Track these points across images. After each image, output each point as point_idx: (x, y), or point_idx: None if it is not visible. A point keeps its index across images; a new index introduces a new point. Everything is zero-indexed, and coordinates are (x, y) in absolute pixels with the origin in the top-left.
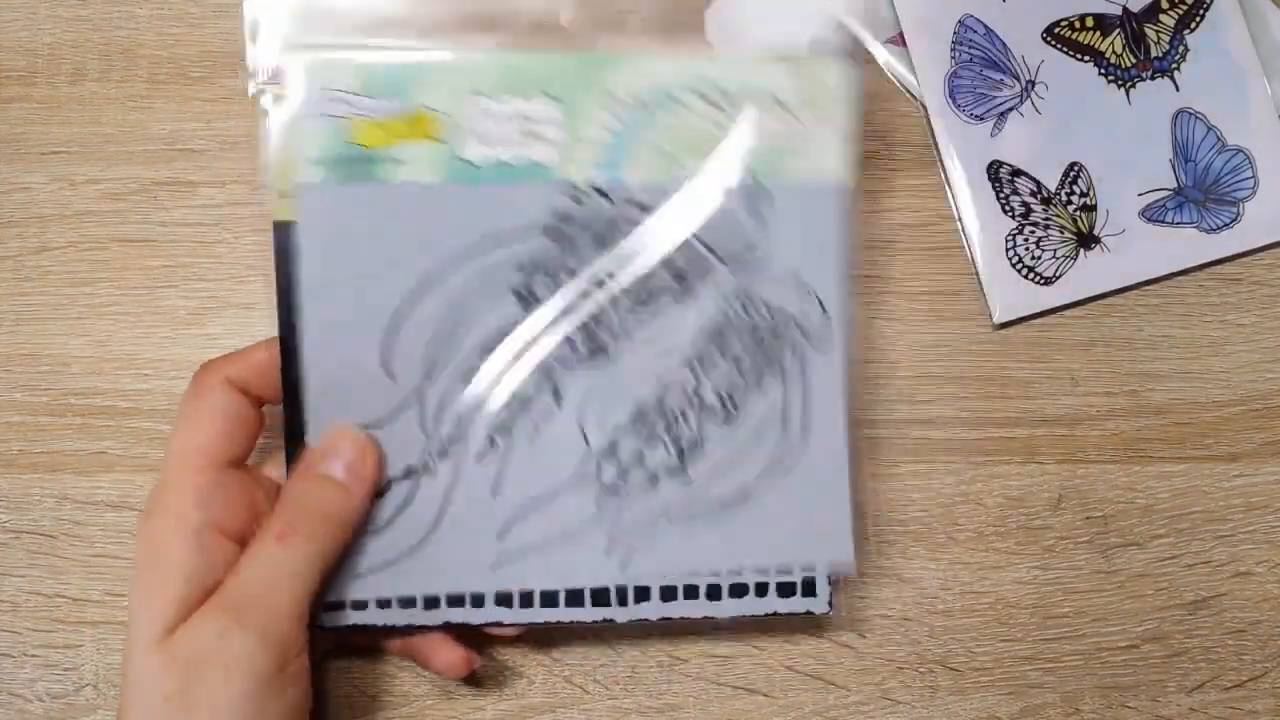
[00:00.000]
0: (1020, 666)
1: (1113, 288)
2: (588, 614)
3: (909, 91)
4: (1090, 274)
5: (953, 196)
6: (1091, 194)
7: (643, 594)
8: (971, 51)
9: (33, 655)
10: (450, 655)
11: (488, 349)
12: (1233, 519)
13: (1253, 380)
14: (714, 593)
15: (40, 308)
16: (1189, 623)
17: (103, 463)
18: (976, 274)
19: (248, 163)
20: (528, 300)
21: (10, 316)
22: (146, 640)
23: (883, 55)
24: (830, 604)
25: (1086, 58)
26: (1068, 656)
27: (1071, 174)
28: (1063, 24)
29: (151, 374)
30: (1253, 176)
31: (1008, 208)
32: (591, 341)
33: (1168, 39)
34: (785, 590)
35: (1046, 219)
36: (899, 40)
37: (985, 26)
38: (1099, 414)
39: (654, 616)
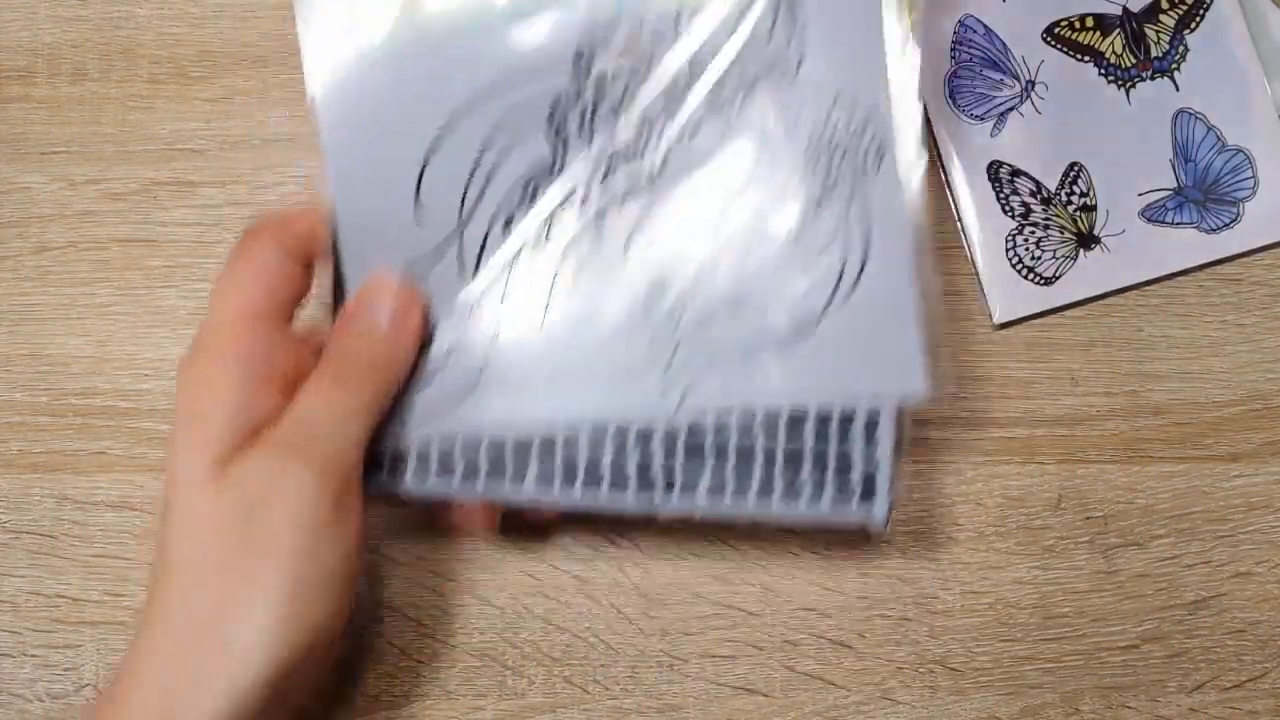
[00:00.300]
0: (1020, 666)
1: (1113, 288)
2: (630, 499)
3: None
4: (1090, 274)
5: (953, 197)
6: (1091, 194)
7: (689, 486)
8: (971, 52)
9: (33, 655)
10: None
11: (526, 186)
12: (1233, 519)
13: (1253, 380)
14: (765, 488)
15: (40, 308)
16: (1189, 623)
17: (103, 463)
18: (976, 274)
19: (248, 163)
20: (563, 134)
21: (10, 316)
22: (196, 475)
23: None
24: (887, 518)
25: (1086, 58)
26: (1068, 656)
27: (1071, 174)
28: (1062, 24)
29: (151, 374)
30: (1253, 176)
31: (1008, 208)
32: (633, 174)
33: (1168, 39)
34: (842, 490)
35: (1046, 219)
36: None
37: (985, 27)
38: (1099, 414)
39: (698, 510)
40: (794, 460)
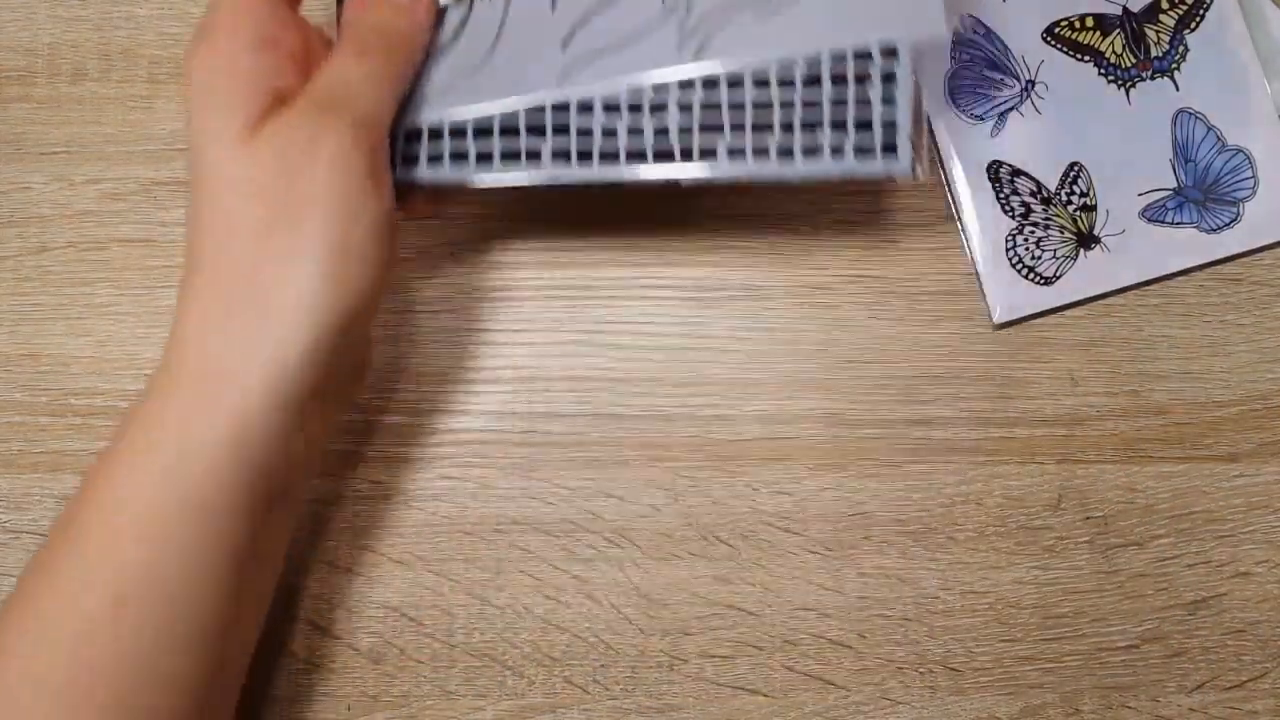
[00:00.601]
0: (1020, 666)
1: (1113, 288)
2: (652, 170)
3: None
4: (1090, 274)
5: (952, 196)
6: (1091, 194)
7: (708, 153)
8: (972, 51)
9: None
10: None
11: None
12: (1233, 519)
13: (1253, 380)
14: (786, 149)
15: (40, 308)
16: (1189, 623)
17: None
18: (976, 274)
19: None
20: None
21: (10, 316)
22: (227, 139)
23: None
24: (913, 167)
25: (1086, 58)
26: (1068, 656)
27: (1071, 174)
28: (1063, 24)
29: (151, 374)
30: (1253, 176)
31: (1008, 208)
32: None
33: (1168, 39)
34: (863, 146)
35: (1046, 219)
36: None
37: (985, 27)
38: (1099, 414)
39: (720, 175)
40: (813, 119)
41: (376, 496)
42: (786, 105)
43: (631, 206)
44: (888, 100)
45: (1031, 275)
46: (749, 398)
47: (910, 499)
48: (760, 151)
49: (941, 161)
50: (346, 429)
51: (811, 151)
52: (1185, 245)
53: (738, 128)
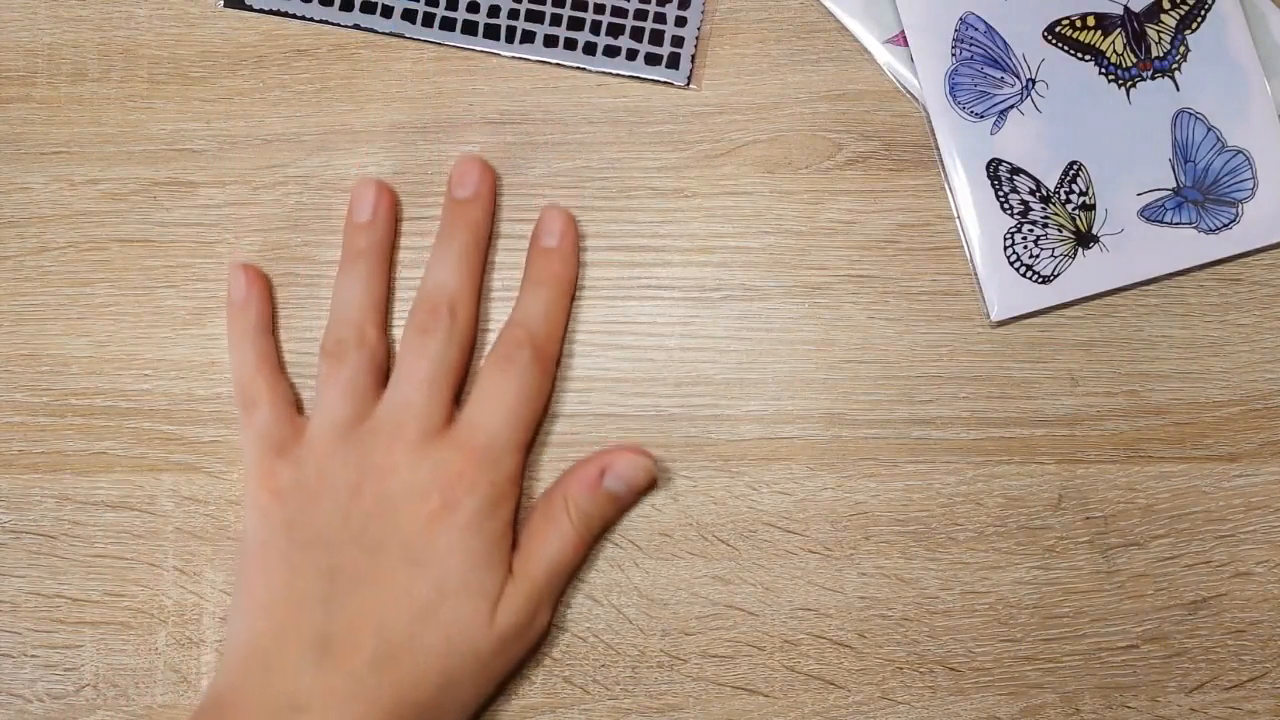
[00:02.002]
0: (1020, 666)
1: (1111, 287)
2: (477, 43)
3: (909, 92)
4: (1088, 273)
5: (952, 194)
6: (1090, 193)
7: (529, 36)
8: (972, 49)
9: (33, 655)
10: None
11: None
12: (1233, 519)
13: (1253, 380)
14: (590, 49)
15: (40, 308)
16: (1189, 623)
17: (103, 463)
18: (974, 272)
19: (248, 163)
20: None
21: (10, 316)
22: (480, 623)
23: (883, 55)
24: (689, 79)
25: (1087, 57)
26: (1068, 656)
27: (1071, 173)
28: (1064, 23)
29: (151, 374)
30: (1252, 177)
31: (1006, 206)
32: None
33: (1169, 39)
34: (652, 60)
35: (1045, 217)
36: (899, 40)
37: (986, 24)
38: (1099, 414)
39: (534, 58)
40: (616, 28)
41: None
42: (599, 9)
43: (632, 206)
44: (680, 23)
45: (1030, 274)
46: (748, 397)
47: (910, 499)
48: (570, 44)
49: (941, 159)
50: None
51: (612, 51)
52: (1184, 245)
53: (555, 20)
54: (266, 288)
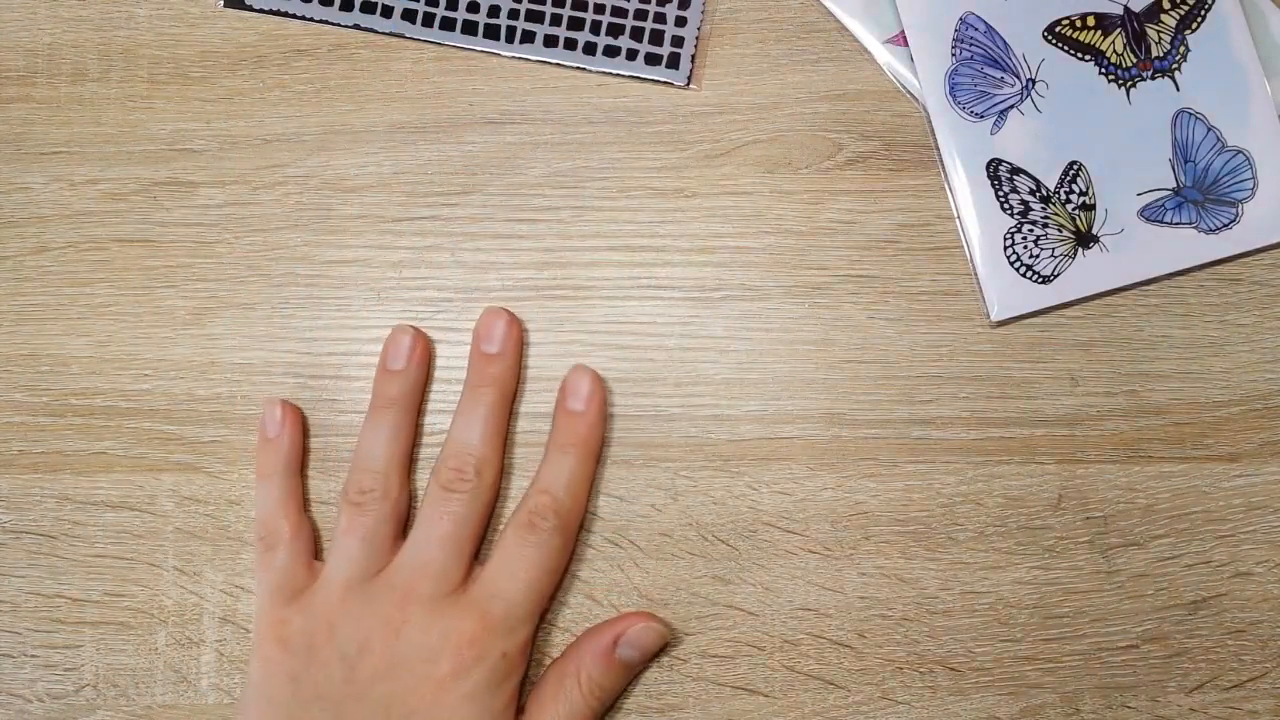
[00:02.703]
0: (1020, 666)
1: (1110, 287)
2: (477, 43)
3: (909, 92)
4: (1088, 273)
5: (952, 194)
6: (1090, 193)
7: (529, 36)
8: (972, 49)
9: (33, 655)
10: None
11: None
12: (1233, 519)
13: (1253, 380)
14: (590, 49)
15: (40, 308)
16: (1189, 623)
17: (103, 463)
18: (974, 272)
19: (248, 163)
20: None
21: (10, 316)
22: None
23: (883, 55)
24: (689, 79)
25: (1087, 57)
26: (1068, 656)
27: (1071, 173)
28: (1064, 23)
29: (151, 374)
30: (1252, 177)
31: (1006, 205)
32: None
33: (1169, 39)
34: (652, 59)
35: (1045, 217)
36: (899, 40)
37: (986, 24)
38: (1099, 414)
39: (534, 58)
40: (616, 28)
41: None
42: (599, 9)
43: (632, 206)
44: (680, 23)
45: (1030, 274)
46: (748, 397)
47: (910, 499)
48: (570, 44)
49: (941, 159)
50: (346, 430)
51: (612, 51)
52: (1184, 245)
53: (556, 20)
54: (300, 426)
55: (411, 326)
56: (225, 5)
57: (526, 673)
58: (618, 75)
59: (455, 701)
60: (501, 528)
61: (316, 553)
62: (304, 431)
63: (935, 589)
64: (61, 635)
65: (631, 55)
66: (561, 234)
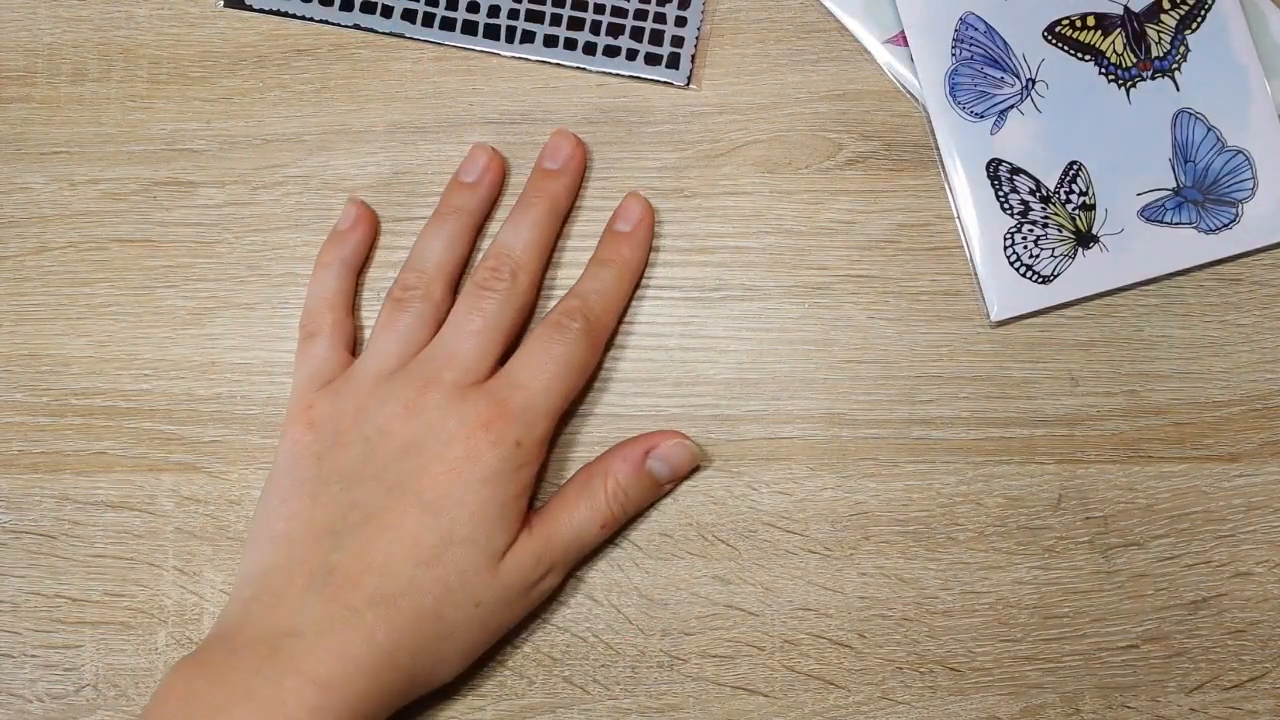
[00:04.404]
0: (1020, 666)
1: (1110, 287)
2: (477, 43)
3: (909, 92)
4: (1088, 273)
5: (952, 194)
6: (1090, 193)
7: (529, 36)
8: (972, 49)
9: (33, 655)
10: None
11: None
12: (1233, 519)
13: (1253, 380)
14: (590, 49)
15: (40, 308)
16: (1189, 623)
17: (103, 463)
18: (974, 272)
19: (248, 163)
20: None
21: (10, 316)
22: (484, 566)
23: (883, 56)
24: (689, 79)
25: (1087, 57)
26: (1068, 656)
27: (1071, 173)
28: (1064, 23)
29: (151, 374)
30: (1252, 177)
31: (1006, 205)
32: None
33: (1169, 39)
34: (652, 59)
35: (1045, 217)
36: (899, 40)
37: (986, 24)
38: (1099, 414)
39: (534, 58)
40: (616, 28)
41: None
42: (599, 9)
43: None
44: (680, 23)
45: (1029, 274)
46: (748, 398)
47: (910, 499)
48: (570, 44)
49: (941, 159)
50: None
51: (612, 51)
52: (1183, 245)
53: (556, 20)
54: (372, 229)
55: (491, 146)
56: (225, 5)
57: (541, 469)
58: (618, 75)
59: (467, 483)
60: (532, 329)
61: (354, 349)
62: (373, 239)
63: (935, 589)
64: (61, 635)
65: (631, 55)
66: (561, 234)
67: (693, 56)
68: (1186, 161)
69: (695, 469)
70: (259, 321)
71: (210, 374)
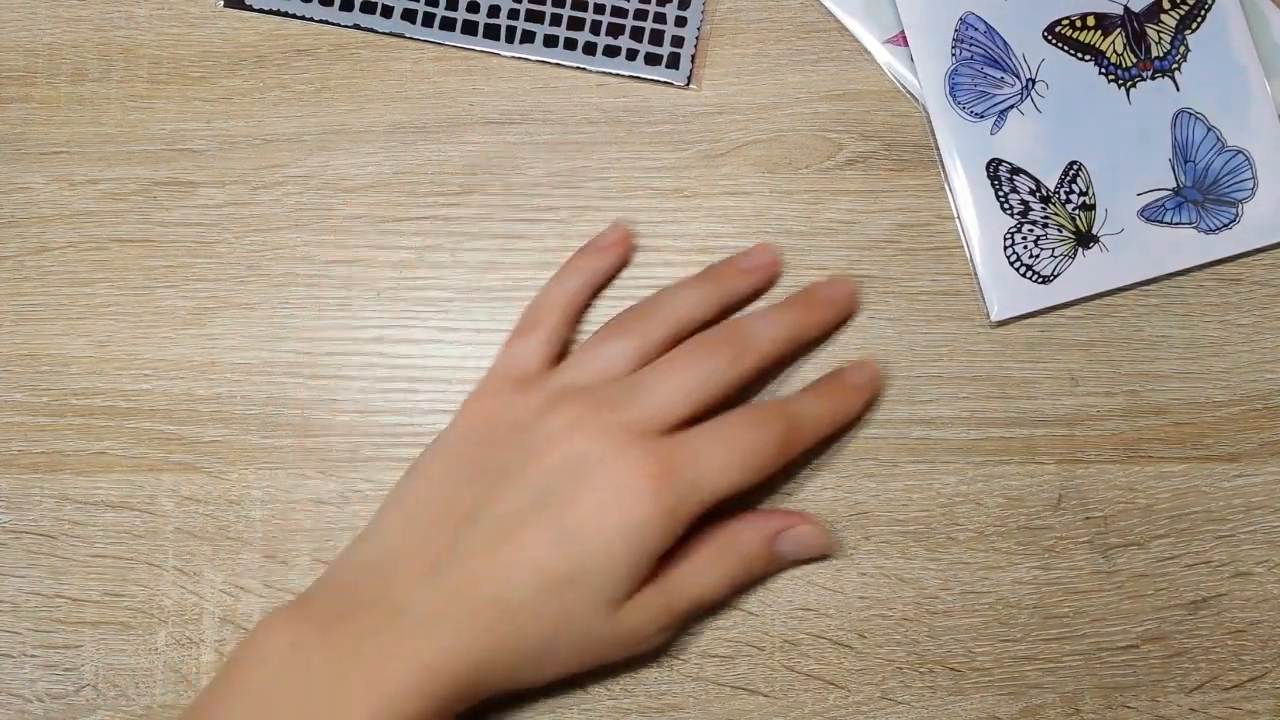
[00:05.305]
0: (1020, 666)
1: (1110, 287)
2: (477, 43)
3: (909, 92)
4: (1088, 273)
5: (952, 195)
6: (1090, 193)
7: (529, 36)
8: (972, 49)
9: (32, 655)
10: None
11: None
12: (1233, 519)
13: (1253, 380)
14: (590, 49)
15: (40, 308)
16: (1189, 623)
17: (103, 463)
18: (974, 272)
19: (248, 163)
20: None
21: (10, 316)
22: (603, 609)
23: (883, 56)
24: (689, 79)
25: (1087, 57)
26: (1068, 656)
27: (1071, 173)
28: (1064, 23)
29: (151, 374)
30: (1252, 178)
31: (1006, 205)
32: None
33: (1169, 39)
34: (652, 59)
35: (1045, 217)
36: (899, 40)
37: (986, 24)
38: (1099, 414)
39: (534, 55)
40: (616, 28)
41: (376, 497)
42: (599, 9)
43: (632, 206)
44: (680, 23)
45: (1030, 274)
46: (748, 397)
47: (910, 499)
48: (570, 44)
49: (941, 160)
50: (346, 430)
51: (612, 51)
52: (1184, 245)
53: (556, 20)
54: (627, 257)
55: (774, 250)
56: (225, 5)
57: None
58: (618, 75)
59: (612, 526)
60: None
61: (559, 358)
62: (622, 269)
63: (935, 589)
64: (61, 635)
65: (631, 55)
66: (561, 234)
67: (693, 56)
68: (1186, 161)
69: (825, 558)
70: (259, 321)
71: (210, 374)
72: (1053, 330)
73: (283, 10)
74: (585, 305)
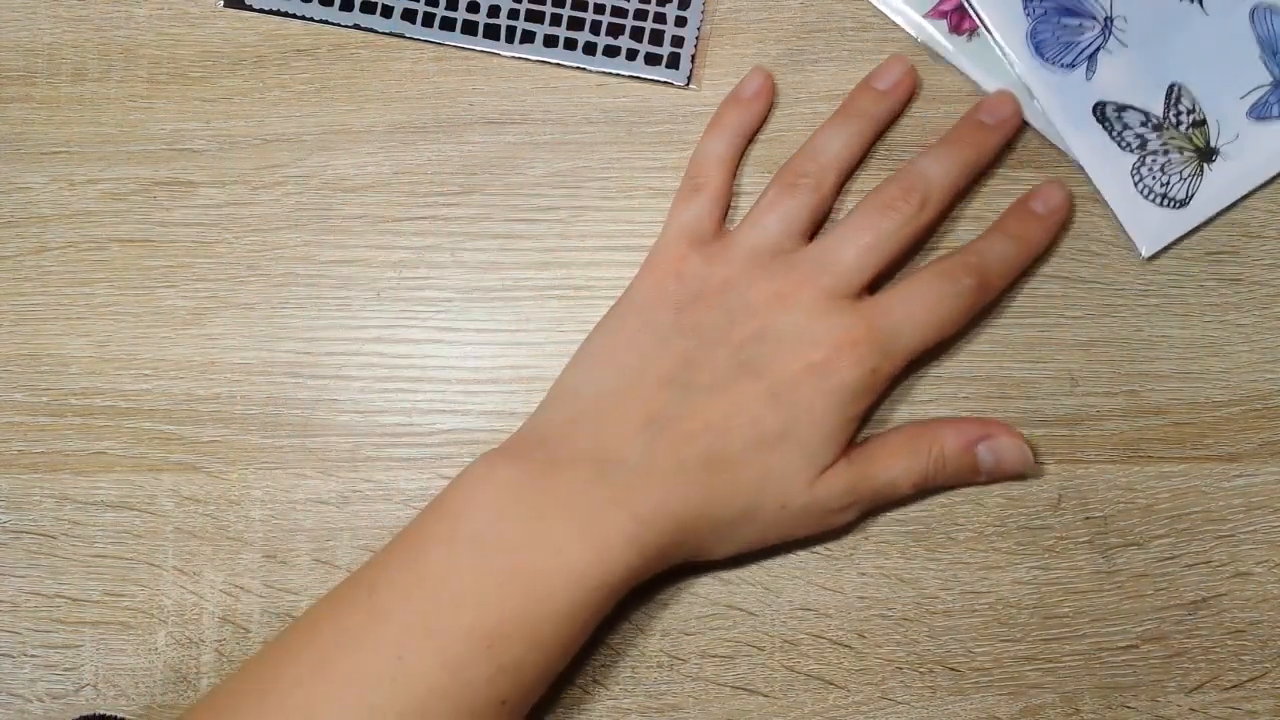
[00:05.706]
0: (1020, 666)
1: (1246, 191)
2: (477, 43)
3: (951, 65)
4: (1220, 185)
5: (1068, 149)
6: (1197, 109)
7: (529, 36)
8: (1045, 4)
9: (32, 655)
10: None
11: None
12: (1233, 519)
13: (1253, 380)
14: (590, 49)
15: (40, 308)
16: (1189, 623)
17: (103, 463)
18: (1114, 215)
19: (248, 163)
20: None
21: (10, 316)
22: (805, 479)
23: (925, 30)
24: (689, 79)
25: None
26: (1068, 656)
27: (1173, 95)
28: None
29: (151, 374)
30: None
31: (1124, 143)
32: None
33: None
34: (652, 59)
35: (1163, 144)
36: (936, 14)
37: None
38: (1099, 414)
39: (534, 55)
40: (616, 28)
41: (376, 496)
42: (599, 9)
43: (632, 206)
44: (680, 23)
45: (1166, 201)
46: None
47: (910, 499)
48: (570, 44)
49: (1047, 116)
50: (346, 430)
51: (612, 51)
52: None
53: (556, 20)
54: (771, 104)
55: (908, 60)
56: (225, 5)
57: (875, 405)
58: (618, 75)
59: (817, 389)
60: (922, 263)
61: (725, 217)
62: (767, 116)
63: (935, 589)
64: (61, 635)
65: (631, 55)
66: (561, 234)
67: (693, 56)
68: (1275, 54)
69: (1020, 477)
70: (259, 321)
71: (210, 374)
72: (1053, 330)
73: (283, 10)
74: (739, 158)
